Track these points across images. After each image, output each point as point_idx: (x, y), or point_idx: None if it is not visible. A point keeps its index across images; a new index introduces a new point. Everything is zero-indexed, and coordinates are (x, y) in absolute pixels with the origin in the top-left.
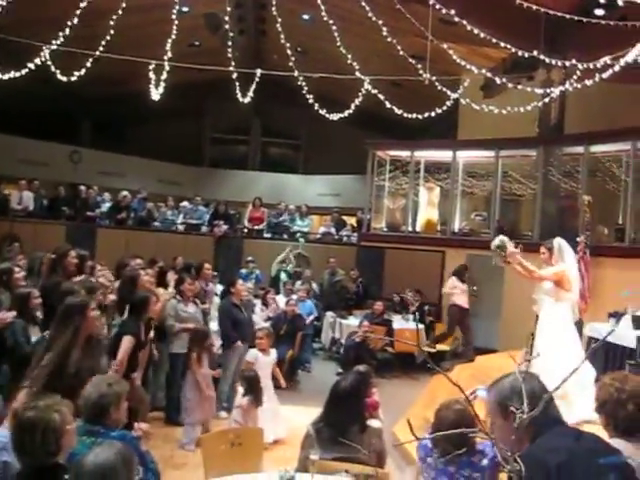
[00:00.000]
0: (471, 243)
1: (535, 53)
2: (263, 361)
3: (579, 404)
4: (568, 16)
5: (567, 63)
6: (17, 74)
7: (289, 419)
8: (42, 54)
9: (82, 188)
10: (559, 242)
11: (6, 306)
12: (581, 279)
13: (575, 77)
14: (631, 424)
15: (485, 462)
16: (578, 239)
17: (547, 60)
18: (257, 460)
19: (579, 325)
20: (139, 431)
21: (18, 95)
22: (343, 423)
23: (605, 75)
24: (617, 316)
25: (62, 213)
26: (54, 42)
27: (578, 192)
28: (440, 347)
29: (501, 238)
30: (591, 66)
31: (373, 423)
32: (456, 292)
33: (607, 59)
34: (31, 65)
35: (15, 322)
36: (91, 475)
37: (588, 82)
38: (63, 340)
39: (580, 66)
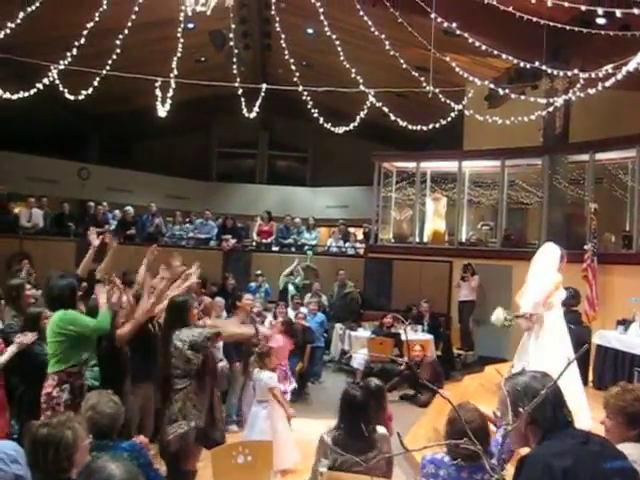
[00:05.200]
0: (479, 253)
1: (537, 64)
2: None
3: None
4: (568, 27)
5: (570, 73)
6: (26, 94)
7: (299, 432)
8: (50, 74)
9: (91, 204)
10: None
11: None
12: (589, 287)
13: (578, 86)
14: None
15: (494, 462)
16: (585, 247)
17: (550, 70)
18: (267, 473)
19: (587, 332)
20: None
21: (26, 114)
22: (357, 428)
23: (608, 84)
24: (625, 323)
25: (69, 230)
26: (61, 62)
27: (585, 200)
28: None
29: (497, 317)
30: (594, 75)
31: (379, 429)
32: None
33: (609, 67)
34: (39, 85)
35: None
36: None
37: (591, 91)
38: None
39: (583, 75)
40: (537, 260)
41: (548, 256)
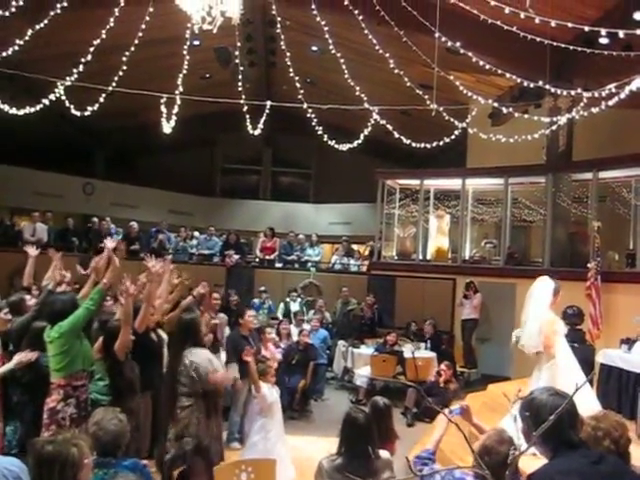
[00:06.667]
0: (482, 270)
1: (540, 83)
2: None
3: None
4: (572, 47)
5: (573, 92)
6: (32, 109)
7: (301, 449)
8: (56, 90)
9: (94, 220)
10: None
11: None
12: (593, 305)
13: (582, 105)
14: None
15: None
16: (589, 265)
17: (553, 89)
18: None
19: (591, 351)
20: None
21: (32, 129)
22: (358, 454)
23: (611, 103)
24: (629, 342)
25: (72, 245)
26: (68, 78)
27: (588, 218)
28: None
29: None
30: (597, 94)
31: (383, 453)
32: None
33: (612, 87)
34: (46, 101)
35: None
36: None
37: (594, 110)
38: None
39: (586, 94)
40: (531, 294)
41: (540, 291)
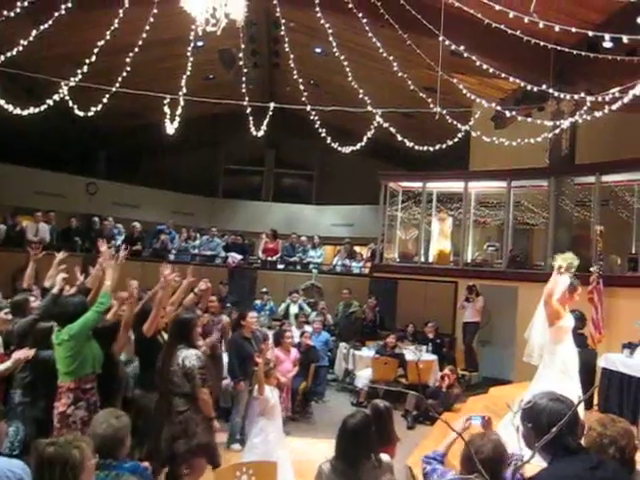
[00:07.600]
0: (484, 273)
1: (544, 86)
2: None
3: None
4: (575, 52)
5: (576, 96)
6: (36, 110)
7: (301, 451)
8: (61, 90)
9: (95, 220)
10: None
11: None
12: (595, 309)
13: (585, 108)
14: None
15: None
16: (591, 269)
17: (556, 93)
18: None
19: (593, 355)
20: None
21: (35, 128)
22: (356, 458)
23: (614, 107)
24: (631, 347)
25: (75, 244)
26: (72, 78)
27: (590, 221)
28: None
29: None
30: (600, 98)
31: (383, 457)
32: None
33: (616, 91)
34: (49, 101)
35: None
36: None
37: (598, 114)
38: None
39: (589, 98)
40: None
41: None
